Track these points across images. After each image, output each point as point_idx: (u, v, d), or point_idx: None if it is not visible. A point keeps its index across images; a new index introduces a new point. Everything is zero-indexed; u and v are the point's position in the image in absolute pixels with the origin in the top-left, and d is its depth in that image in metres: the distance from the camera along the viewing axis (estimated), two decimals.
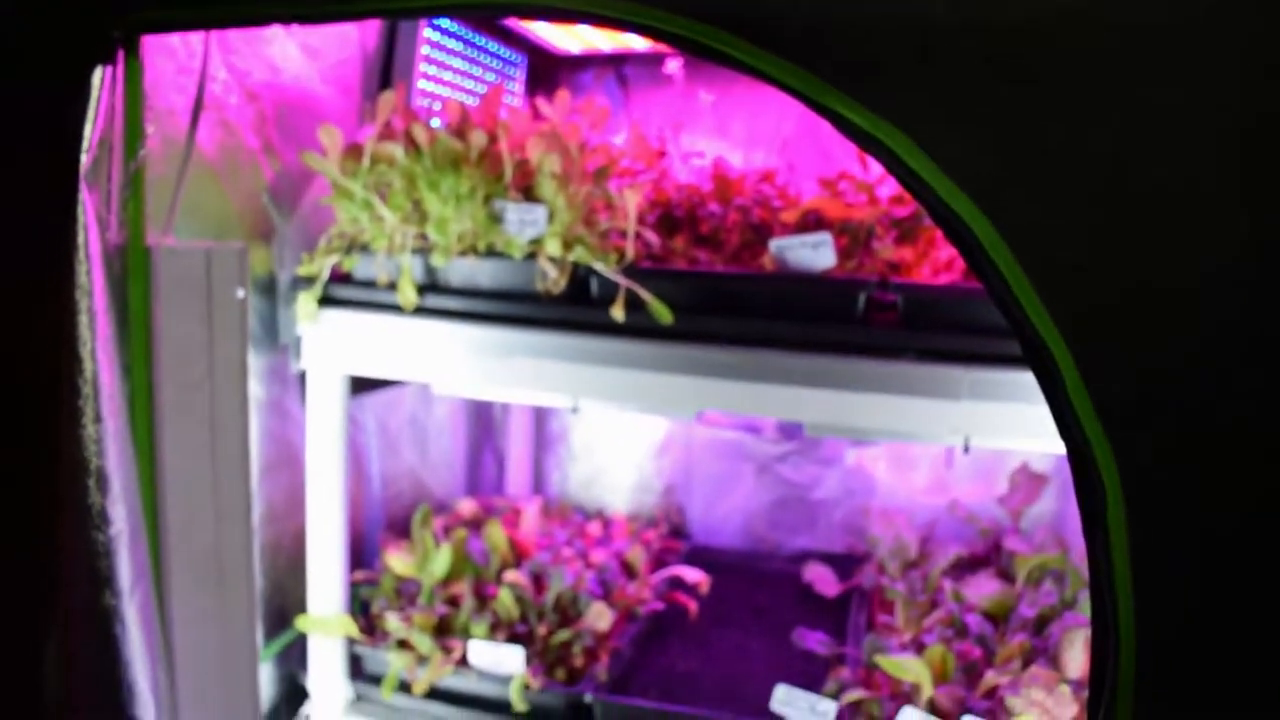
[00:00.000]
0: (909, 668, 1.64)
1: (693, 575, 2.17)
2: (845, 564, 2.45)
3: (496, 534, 1.98)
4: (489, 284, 1.60)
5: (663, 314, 1.47)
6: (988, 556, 2.18)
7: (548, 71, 2.39)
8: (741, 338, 1.50)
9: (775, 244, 1.50)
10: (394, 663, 1.73)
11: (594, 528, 2.36)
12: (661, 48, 2.31)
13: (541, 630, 1.80)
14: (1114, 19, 0.84)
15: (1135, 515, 0.88)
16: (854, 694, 1.68)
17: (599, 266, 1.51)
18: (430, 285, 1.62)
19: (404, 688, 1.75)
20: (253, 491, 1.52)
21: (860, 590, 2.28)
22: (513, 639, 1.79)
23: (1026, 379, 1.47)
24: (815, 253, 1.48)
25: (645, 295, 1.48)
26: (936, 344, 1.46)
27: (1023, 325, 0.95)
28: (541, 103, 1.58)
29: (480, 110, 1.58)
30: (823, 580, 2.37)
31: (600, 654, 1.80)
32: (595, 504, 2.72)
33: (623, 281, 1.48)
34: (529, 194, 1.55)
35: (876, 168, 1.81)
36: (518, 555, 2.02)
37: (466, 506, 2.24)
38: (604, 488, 2.72)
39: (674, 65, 1.84)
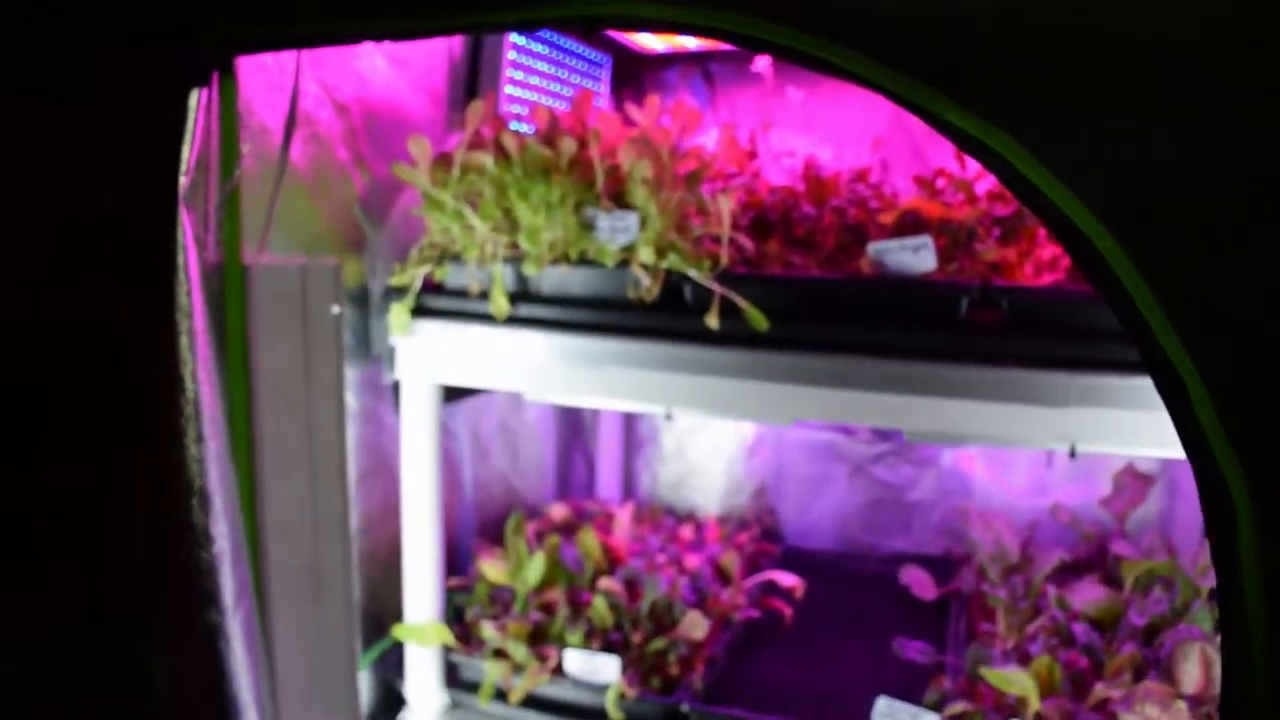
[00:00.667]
0: (1015, 680, 1.59)
1: (787, 580, 2.14)
2: (942, 567, 2.40)
3: (590, 540, 1.97)
4: (581, 292, 1.59)
5: (758, 321, 1.44)
6: (1092, 561, 2.11)
7: (633, 71, 2.37)
8: (840, 344, 1.47)
9: (874, 247, 1.46)
10: (490, 671, 1.73)
11: (686, 531, 2.34)
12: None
13: (636, 638, 1.79)
14: (1223, 26, 0.79)
15: (1269, 541, 0.84)
16: (957, 706, 1.64)
17: (693, 273, 1.48)
18: (522, 294, 1.62)
19: (500, 695, 1.75)
20: (350, 503, 1.53)
21: (959, 595, 2.23)
22: (607, 647, 1.78)
23: (1135, 385, 1.42)
24: (915, 256, 1.44)
25: (740, 302, 1.45)
26: (1041, 349, 1.41)
27: (1146, 340, 0.91)
28: (631, 108, 1.56)
29: (569, 116, 1.57)
30: (920, 584, 2.32)
31: (696, 662, 1.78)
32: (685, 506, 2.71)
33: (717, 289, 1.46)
34: (620, 201, 1.53)
35: (975, 164, 1.75)
36: (611, 561, 2.01)
37: (558, 511, 2.23)
38: (694, 489, 2.70)
39: (762, 63, 1.81)
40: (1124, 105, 0.86)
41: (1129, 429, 1.40)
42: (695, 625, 1.76)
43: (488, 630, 1.75)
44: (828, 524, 2.58)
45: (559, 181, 1.50)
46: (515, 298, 1.60)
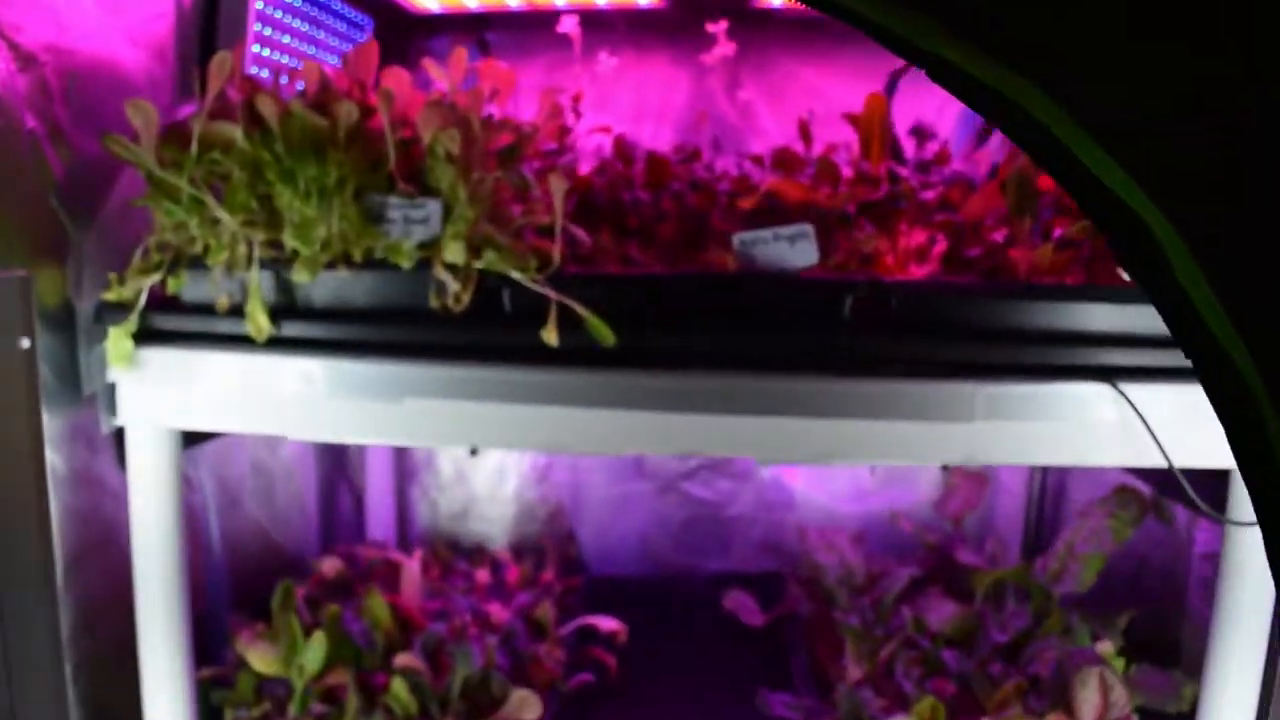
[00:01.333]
0: None
1: (607, 624, 1.86)
2: (765, 586, 2.19)
3: (377, 606, 1.60)
4: (367, 303, 1.24)
5: (603, 333, 1.15)
6: (934, 572, 1.95)
7: (396, 38, 2.00)
8: (702, 357, 1.20)
9: (743, 238, 1.20)
10: None
11: (483, 574, 2.01)
12: (535, 6, 1.97)
13: None
14: None
15: None
16: None
17: (516, 275, 1.17)
18: (288, 308, 1.24)
19: None
20: (58, 602, 1.11)
21: (793, 619, 2.02)
22: None
23: (1043, 391, 1.24)
24: (794, 248, 1.19)
25: (580, 310, 1.15)
26: (940, 354, 1.20)
27: (1195, 328, 0.68)
28: (431, 64, 1.22)
29: (346, 75, 1.21)
30: (746, 609, 2.10)
31: None
32: (472, 538, 2.37)
33: (552, 294, 1.15)
34: (418, 184, 1.19)
35: (823, 142, 1.53)
36: (406, 628, 1.65)
37: (330, 565, 1.85)
38: (481, 519, 2.37)
39: (569, 25, 1.51)
40: (1157, 52, 0.64)
41: (1040, 440, 1.21)
42: (524, 705, 1.45)
43: None
44: (635, 548, 2.32)
45: (336, 159, 1.14)
46: (279, 313, 1.23)
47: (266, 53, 1.59)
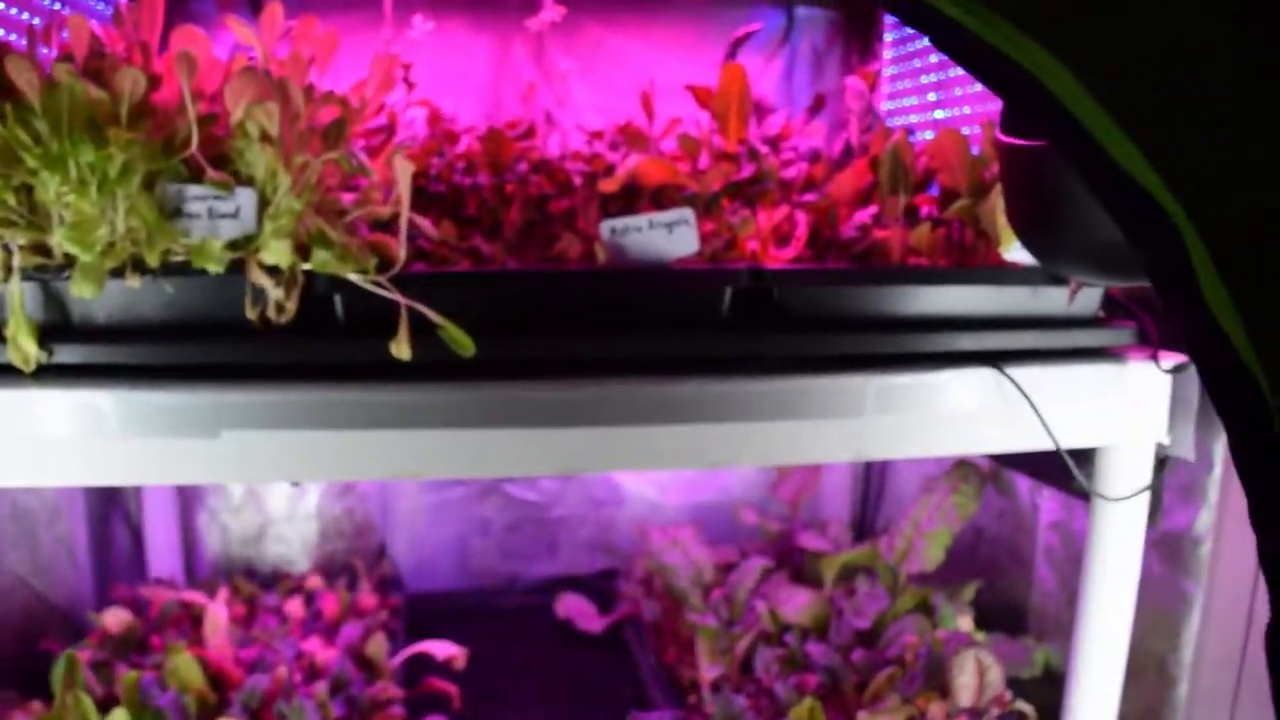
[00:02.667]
0: None
1: (444, 650, 1.69)
2: (599, 589, 2.08)
3: (184, 665, 1.37)
4: (166, 317, 1.02)
5: (462, 343, 0.98)
6: (779, 560, 1.89)
7: None
8: (573, 364, 1.06)
9: (613, 226, 1.06)
10: None
11: (295, 606, 1.78)
12: None
13: None
14: None
15: None
16: None
17: (355, 278, 0.98)
18: (63, 329, 1.00)
19: None
20: None
21: (635, 622, 1.92)
22: None
23: (933, 380, 1.17)
24: (671, 236, 1.06)
25: (433, 316, 0.98)
26: (827, 346, 1.11)
27: (1216, 341, 0.61)
28: (235, 22, 1.00)
29: (124, 35, 0.98)
30: (582, 614, 1.98)
31: None
32: (269, 563, 2.12)
33: (400, 299, 0.97)
34: (226, 170, 0.98)
35: (666, 115, 1.41)
36: (220, 686, 1.43)
37: (115, 619, 1.58)
38: (279, 541, 2.13)
39: None
40: None
41: (930, 430, 1.14)
42: None
43: None
44: (454, 558, 2.15)
45: (119, 140, 0.92)
46: (51, 334, 0.99)
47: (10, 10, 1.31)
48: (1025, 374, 1.16)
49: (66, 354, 0.99)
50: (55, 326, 1.00)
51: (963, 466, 1.76)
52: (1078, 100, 0.59)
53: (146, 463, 1.00)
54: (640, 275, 1.07)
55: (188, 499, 2.07)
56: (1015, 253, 1.20)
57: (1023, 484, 1.75)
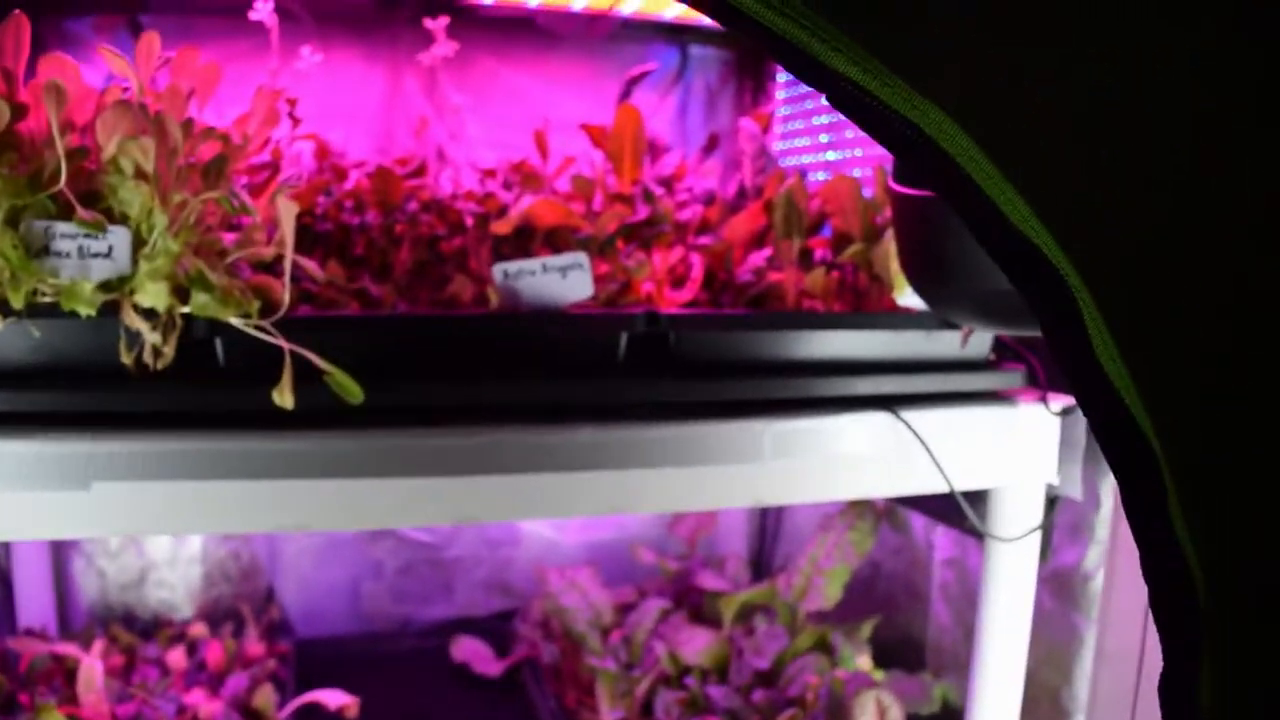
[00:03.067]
0: None
1: (334, 699, 1.63)
2: (496, 630, 2.03)
3: None
4: (34, 361, 0.96)
5: (350, 390, 0.95)
6: (676, 598, 1.88)
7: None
8: (466, 411, 1.03)
9: (505, 269, 1.04)
10: None
11: (177, 657, 1.70)
12: None
13: None
14: None
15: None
16: None
17: (236, 321, 0.94)
18: None
19: None
20: None
21: (532, 662, 1.88)
22: None
23: (830, 425, 1.17)
24: (565, 280, 1.05)
25: (319, 362, 0.94)
26: (724, 391, 1.11)
27: (1110, 405, 0.62)
28: (109, 53, 0.95)
29: None
30: (479, 657, 1.94)
31: None
32: (150, 611, 2.02)
33: (284, 344, 0.93)
34: (97, 206, 0.93)
35: (561, 153, 1.40)
36: None
37: None
38: (161, 586, 2.03)
39: (264, 11, 1.26)
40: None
41: (827, 475, 1.15)
42: None
43: None
44: (345, 601, 2.08)
45: None
46: None
47: None
48: (920, 417, 1.18)
49: None
50: None
51: (858, 504, 1.77)
52: (971, 158, 0.59)
53: (12, 517, 0.94)
54: (534, 319, 1.05)
55: (61, 544, 1.97)
56: (909, 298, 1.22)
57: (918, 521, 1.77)
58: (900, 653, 1.77)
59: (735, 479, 1.10)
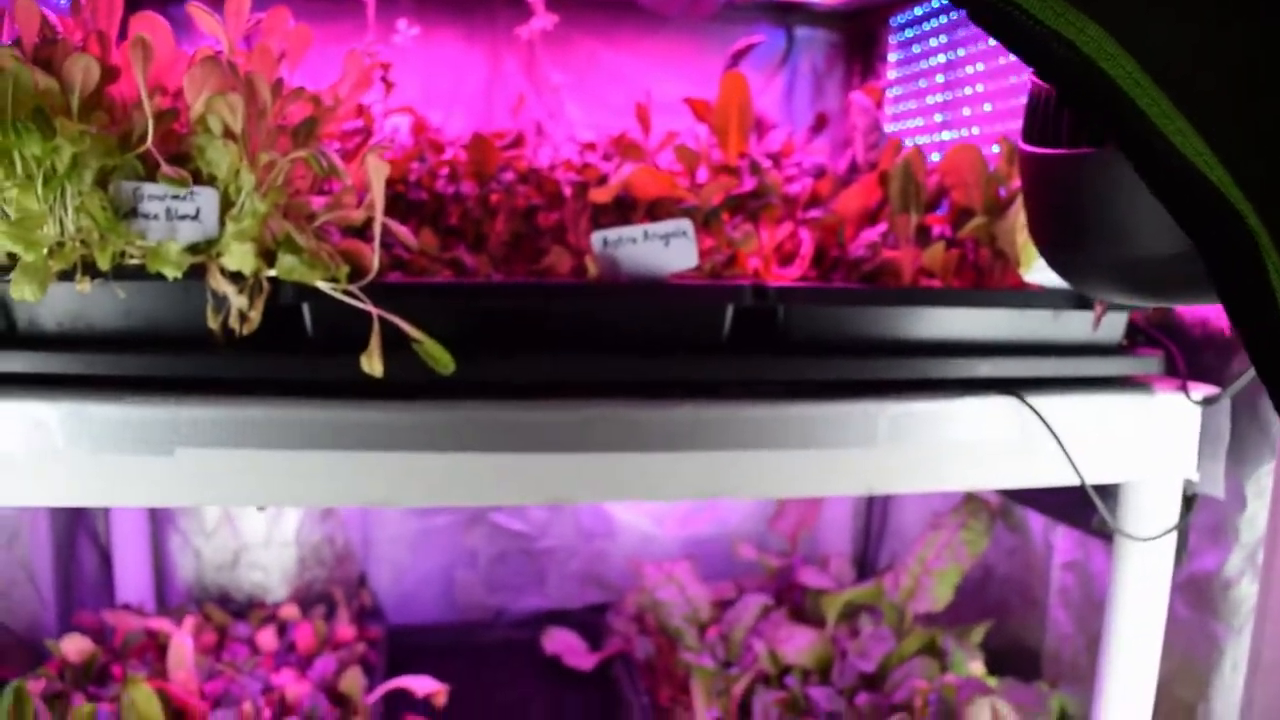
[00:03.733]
0: None
1: (423, 685, 1.60)
2: (588, 623, 1.98)
3: (143, 698, 1.28)
4: (120, 326, 0.94)
5: (441, 359, 0.91)
6: (778, 596, 1.80)
7: None
8: (560, 386, 0.98)
9: (605, 237, 0.98)
10: None
11: (267, 638, 1.69)
12: None
13: None
14: None
15: None
16: None
17: (324, 286, 0.91)
18: (5, 335, 0.93)
19: None
20: None
21: (625, 657, 1.82)
22: None
23: (952, 408, 1.09)
24: (668, 249, 0.99)
25: (410, 330, 0.90)
26: (837, 370, 1.04)
27: None
28: (198, 9, 0.93)
29: (79, 23, 0.91)
30: (571, 650, 1.89)
31: None
32: (244, 592, 2.03)
33: (374, 310, 0.89)
34: (185, 168, 0.90)
35: (662, 132, 1.34)
36: (179, 719, 1.34)
37: (73, 646, 1.48)
38: (255, 568, 2.03)
39: None
40: None
41: (944, 462, 1.06)
42: None
43: None
44: (439, 591, 2.05)
45: (70, 133, 0.84)
46: None
47: None
48: (1046, 403, 1.09)
49: (8, 362, 0.91)
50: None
51: (972, 502, 1.68)
52: (1137, 84, 0.52)
53: (95, 481, 0.92)
54: (635, 290, 0.99)
55: (159, 521, 1.98)
56: (1036, 274, 1.13)
57: (1035, 521, 1.66)
58: (1013, 660, 1.67)
59: (846, 464, 1.03)
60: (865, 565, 2.12)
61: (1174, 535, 1.21)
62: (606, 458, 0.95)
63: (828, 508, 2.09)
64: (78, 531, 1.89)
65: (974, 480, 1.09)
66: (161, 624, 1.62)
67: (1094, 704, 1.27)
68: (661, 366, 0.99)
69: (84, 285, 0.89)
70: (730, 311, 1.01)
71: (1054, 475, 1.11)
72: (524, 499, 0.97)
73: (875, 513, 2.13)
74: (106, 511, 1.91)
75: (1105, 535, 1.50)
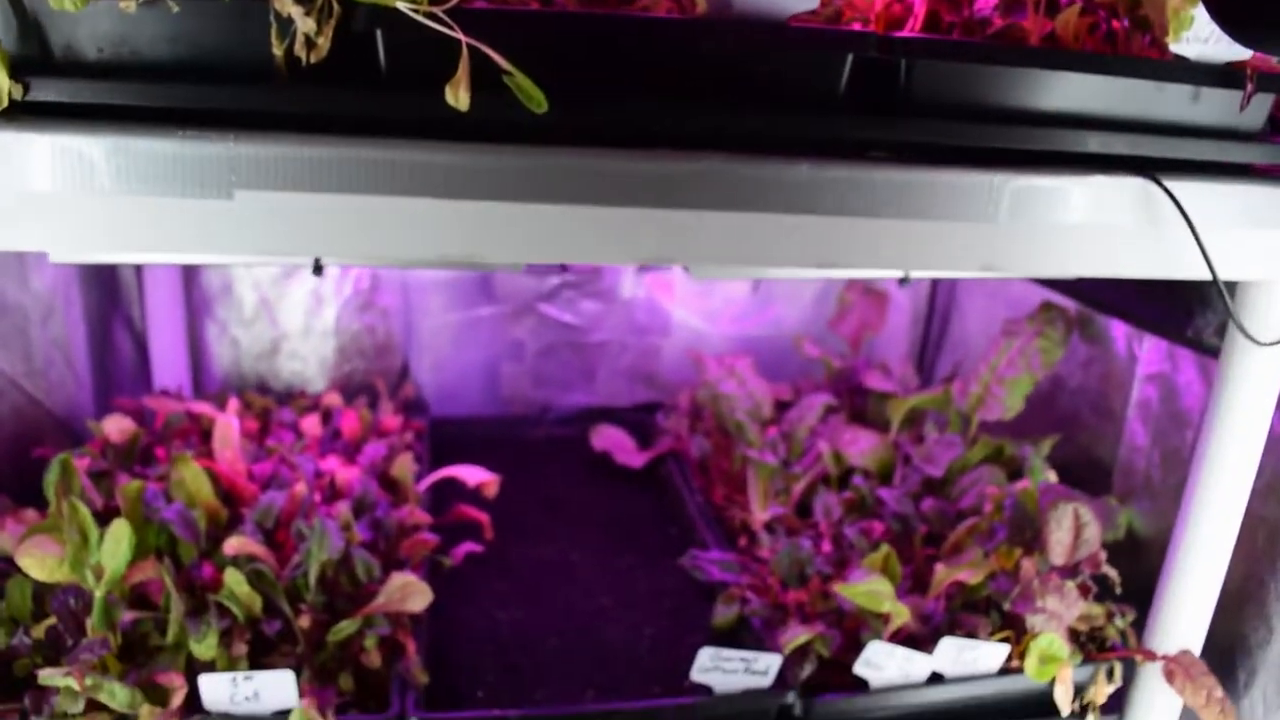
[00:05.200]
0: (880, 593, 1.16)
1: (474, 475, 1.56)
2: (638, 422, 1.94)
3: (192, 476, 1.23)
4: (172, 52, 0.83)
5: (533, 97, 0.80)
6: (841, 400, 1.74)
7: None
8: (662, 135, 0.88)
9: None
10: None
11: (311, 424, 1.64)
12: None
13: (305, 624, 1.13)
14: None
15: None
16: (799, 635, 1.19)
17: (403, 7, 0.79)
18: (42, 60, 0.82)
19: None
20: None
21: (676, 456, 1.78)
22: (261, 648, 1.11)
23: (1075, 186, 0.98)
24: None
25: (500, 61, 0.79)
26: (964, 136, 0.93)
27: None
28: None
29: None
30: (621, 448, 1.85)
31: (405, 641, 1.16)
32: (284, 383, 1.98)
33: (461, 36, 0.78)
34: None
35: None
36: (231, 502, 1.29)
37: (116, 426, 1.44)
38: (294, 357, 1.98)
39: None
40: None
41: (1069, 245, 0.97)
42: (409, 593, 1.14)
43: (48, 672, 0.99)
44: (483, 383, 2.00)
45: None
46: (26, 67, 0.81)
47: None
48: (1180, 188, 0.98)
49: (45, 90, 0.81)
50: (31, 59, 0.82)
51: (1049, 310, 1.59)
52: None
53: (145, 228, 0.83)
54: (746, 28, 0.88)
55: (196, 309, 1.92)
56: (1185, 46, 1.01)
57: (1118, 331, 1.58)
58: (1081, 474, 1.61)
59: (964, 239, 0.93)
60: (922, 374, 2.05)
61: None
62: (710, 217, 0.86)
63: (889, 314, 2.02)
64: (112, 315, 1.82)
65: (1098, 266, 1.00)
66: (203, 408, 1.57)
67: (1180, 518, 1.21)
68: (771, 120, 0.89)
69: (129, 3, 0.78)
70: (849, 62, 0.89)
71: (1183, 267, 1.01)
72: (620, 258, 0.89)
73: (935, 321, 2.05)
74: (141, 297, 1.84)
75: (1199, 345, 1.42)
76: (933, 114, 0.93)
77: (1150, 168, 0.99)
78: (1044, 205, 0.95)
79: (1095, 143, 0.97)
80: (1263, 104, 1.07)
